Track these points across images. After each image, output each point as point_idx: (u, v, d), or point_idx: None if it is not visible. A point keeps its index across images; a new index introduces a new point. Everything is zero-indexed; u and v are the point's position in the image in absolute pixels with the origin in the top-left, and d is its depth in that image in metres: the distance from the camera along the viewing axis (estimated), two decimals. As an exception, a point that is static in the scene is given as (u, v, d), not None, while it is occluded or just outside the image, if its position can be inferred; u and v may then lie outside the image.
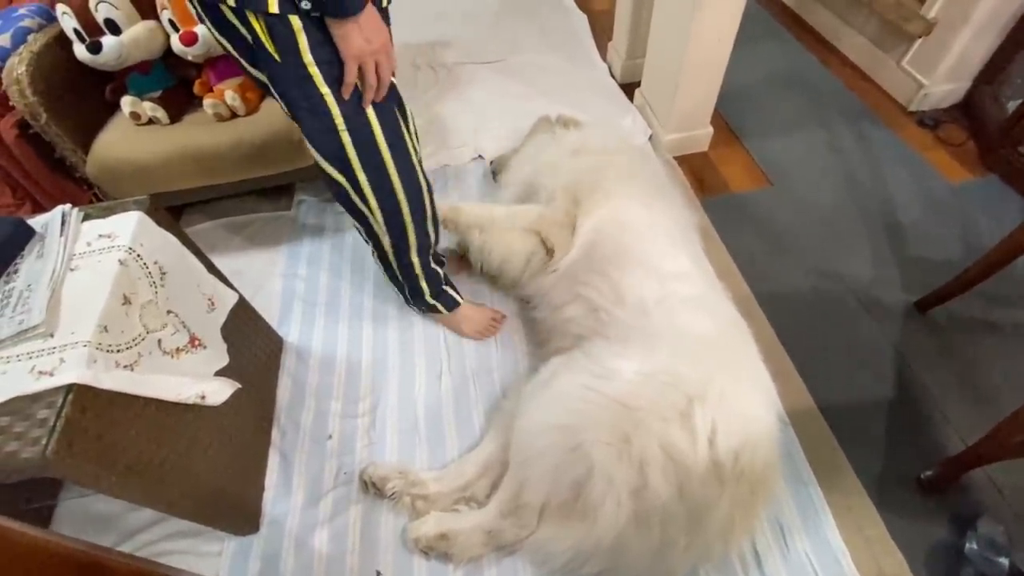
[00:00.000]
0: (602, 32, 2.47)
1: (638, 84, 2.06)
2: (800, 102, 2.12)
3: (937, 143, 1.92)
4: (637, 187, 1.31)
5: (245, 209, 1.79)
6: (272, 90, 0.94)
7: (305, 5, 0.78)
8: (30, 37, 1.39)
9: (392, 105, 1.00)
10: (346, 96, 0.90)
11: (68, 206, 0.93)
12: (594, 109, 2.04)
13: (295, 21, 0.80)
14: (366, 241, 1.23)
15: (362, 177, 1.02)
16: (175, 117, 1.49)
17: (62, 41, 1.39)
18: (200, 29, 1.38)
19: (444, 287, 1.37)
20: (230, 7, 0.81)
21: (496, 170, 1.75)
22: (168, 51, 1.46)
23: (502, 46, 2.41)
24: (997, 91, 1.88)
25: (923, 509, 1.13)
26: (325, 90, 0.88)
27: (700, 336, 1.03)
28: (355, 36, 0.83)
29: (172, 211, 1.72)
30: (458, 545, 1.05)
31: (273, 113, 1.45)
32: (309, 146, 0.98)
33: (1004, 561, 1.01)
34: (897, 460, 1.20)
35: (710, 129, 1.93)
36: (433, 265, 1.30)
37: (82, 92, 1.46)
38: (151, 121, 1.47)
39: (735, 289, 1.48)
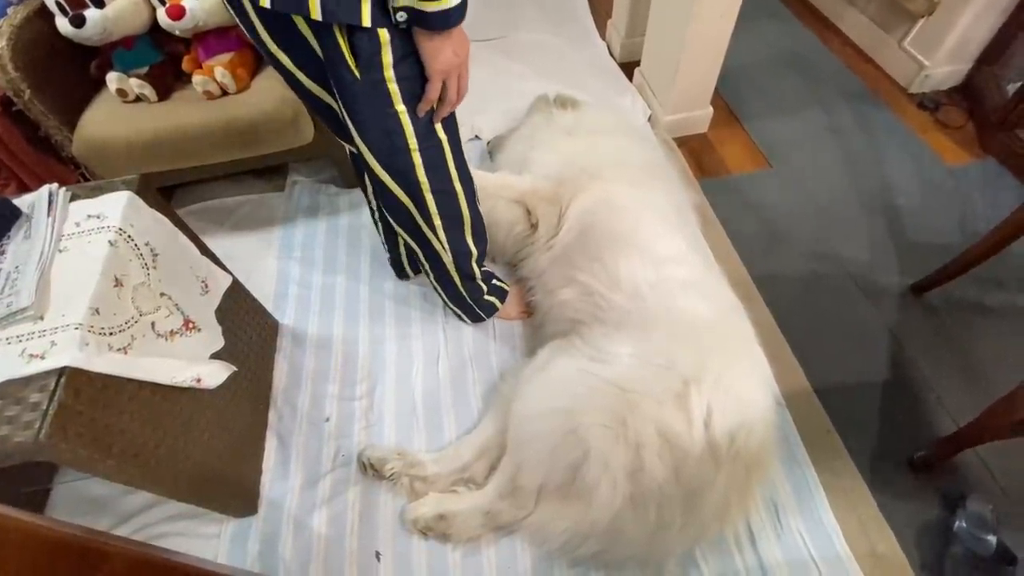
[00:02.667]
0: (601, 10, 2.42)
1: (637, 63, 2.03)
2: (800, 83, 2.09)
3: (936, 125, 1.91)
4: (631, 169, 1.30)
5: (238, 190, 1.76)
6: (341, 108, 0.88)
7: (400, 17, 0.71)
8: (10, 10, 1.33)
9: (453, 116, 0.94)
10: (421, 113, 0.85)
11: (55, 185, 0.91)
12: (593, 89, 2.01)
13: (383, 34, 0.73)
14: (426, 269, 1.20)
15: (429, 197, 0.98)
16: (163, 94, 1.45)
17: (44, 14, 1.34)
18: (188, 2, 1.33)
19: (493, 280, 1.35)
20: (309, 21, 0.73)
21: (493, 150, 1.73)
22: (155, 25, 1.41)
23: (500, 24, 2.36)
24: (998, 73, 1.86)
25: (915, 489, 1.15)
26: (401, 108, 0.83)
27: (696, 319, 1.03)
28: (447, 50, 0.76)
29: (163, 192, 1.69)
30: (456, 526, 1.07)
31: (265, 91, 1.41)
32: (374, 164, 0.92)
33: (991, 539, 1.03)
34: (890, 441, 1.21)
35: (710, 110, 1.90)
36: (485, 267, 1.29)
37: (66, 68, 1.42)
38: (139, 99, 1.43)
39: (732, 271, 1.48)
